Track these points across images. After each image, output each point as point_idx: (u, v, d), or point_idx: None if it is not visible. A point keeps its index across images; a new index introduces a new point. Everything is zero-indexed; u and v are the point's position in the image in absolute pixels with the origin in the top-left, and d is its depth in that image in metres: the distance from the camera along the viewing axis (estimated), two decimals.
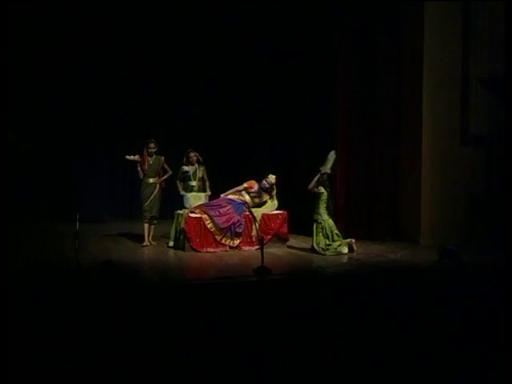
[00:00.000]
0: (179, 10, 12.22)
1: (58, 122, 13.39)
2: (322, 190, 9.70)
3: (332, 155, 9.91)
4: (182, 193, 10.42)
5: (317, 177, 9.70)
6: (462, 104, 10.78)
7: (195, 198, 10.36)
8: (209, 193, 10.55)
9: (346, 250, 9.72)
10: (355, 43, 11.06)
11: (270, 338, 5.35)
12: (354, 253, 9.74)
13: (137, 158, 10.23)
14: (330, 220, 9.76)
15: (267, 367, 4.76)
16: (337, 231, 9.77)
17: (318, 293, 7.19)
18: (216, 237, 9.84)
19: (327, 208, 9.73)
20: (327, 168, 9.78)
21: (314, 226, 9.72)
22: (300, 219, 10.56)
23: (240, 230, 9.94)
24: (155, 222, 10.33)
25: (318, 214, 9.70)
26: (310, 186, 9.71)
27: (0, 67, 6.13)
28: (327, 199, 9.74)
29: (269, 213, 10.27)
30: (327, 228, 9.68)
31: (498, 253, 7.90)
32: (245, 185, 10.31)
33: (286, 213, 10.31)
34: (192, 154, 10.52)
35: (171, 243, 10.16)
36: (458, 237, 10.05)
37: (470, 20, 10.71)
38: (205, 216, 9.83)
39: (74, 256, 7.95)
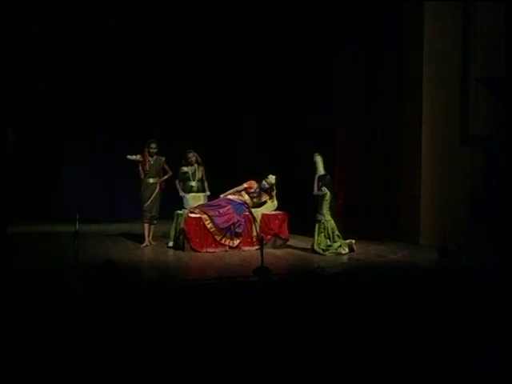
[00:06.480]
0: (178, 9, 12.20)
1: (59, 122, 13.39)
2: (325, 191, 9.72)
3: (317, 157, 9.86)
4: (182, 194, 10.41)
5: (316, 181, 9.72)
6: (461, 104, 10.77)
7: (194, 199, 10.36)
8: (208, 193, 10.53)
9: (346, 250, 9.73)
10: (355, 43, 11.06)
11: (269, 338, 5.35)
12: (354, 253, 9.75)
13: (138, 157, 10.24)
14: (332, 221, 9.77)
15: (267, 367, 4.75)
16: (338, 232, 9.77)
17: (318, 293, 7.18)
18: (216, 237, 9.84)
19: (330, 209, 9.76)
20: (320, 171, 9.79)
21: (317, 226, 9.73)
22: (300, 219, 10.55)
23: (240, 230, 9.94)
24: (155, 222, 10.34)
25: (322, 214, 9.71)
26: (316, 192, 9.72)
27: (0, 67, 6.13)
28: (330, 200, 9.77)
29: (268, 213, 10.28)
30: (329, 228, 9.69)
31: (497, 253, 7.90)
32: (244, 185, 10.32)
33: (285, 213, 10.32)
34: (190, 155, 10.50)
35: (171, 243, 10.16)
36: (458, 237, 10.05)
37: (470, 20, 10.70)
38: (204, 216, 9.83)
39: (74, 256, 7.94)
